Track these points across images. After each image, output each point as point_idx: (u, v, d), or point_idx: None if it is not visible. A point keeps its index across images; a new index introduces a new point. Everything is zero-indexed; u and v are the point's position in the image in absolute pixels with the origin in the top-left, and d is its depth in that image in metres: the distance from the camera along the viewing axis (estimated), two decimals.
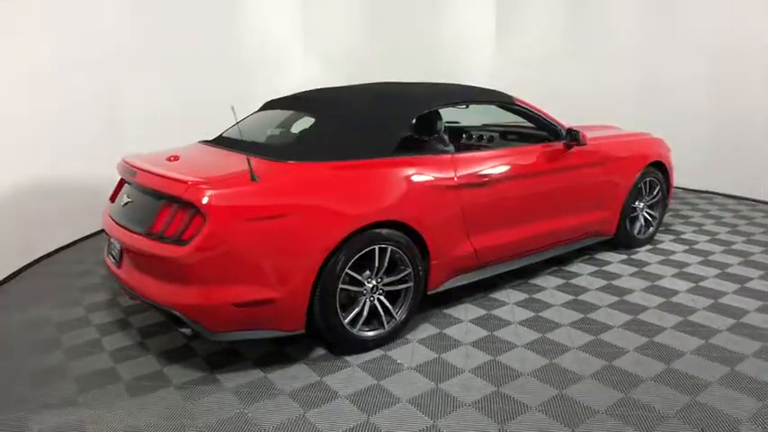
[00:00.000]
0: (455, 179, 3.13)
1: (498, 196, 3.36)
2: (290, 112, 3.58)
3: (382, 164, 2.93)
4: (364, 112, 3.12)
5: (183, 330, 2.60)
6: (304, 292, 2.61)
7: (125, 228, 2.77)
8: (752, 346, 2.86)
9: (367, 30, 7.69)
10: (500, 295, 3.56)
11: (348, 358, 2.82)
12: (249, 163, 2.58)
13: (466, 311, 3.34)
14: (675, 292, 3.56)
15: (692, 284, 3.70)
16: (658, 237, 4.73)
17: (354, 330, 2.81)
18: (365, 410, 2.38)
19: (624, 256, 4.29)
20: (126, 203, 2.91)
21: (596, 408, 2.36)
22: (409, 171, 2.98)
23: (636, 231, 4.43)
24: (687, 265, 4.09)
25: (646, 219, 4.50)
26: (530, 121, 3.83)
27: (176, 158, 2.96)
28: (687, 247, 4.49)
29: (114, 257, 2.93)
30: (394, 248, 2.88)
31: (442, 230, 3.09)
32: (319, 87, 3.89)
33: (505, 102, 3.66)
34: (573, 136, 3.71)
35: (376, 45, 7.58)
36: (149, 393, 2.52)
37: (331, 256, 2.65)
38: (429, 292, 3.18)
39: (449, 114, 3.67)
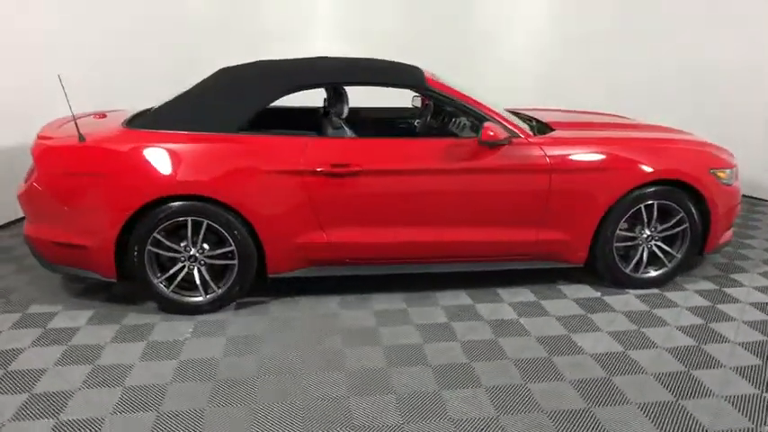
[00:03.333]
0: (300, 165, 2.95)
1: (366, 191, 3.01)
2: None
3: (214, 139, 2.95)
4: (227, 87, 3.13)
5: None
6: (109, 246, 2.90)
7: None
8: None
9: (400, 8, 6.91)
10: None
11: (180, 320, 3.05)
12: (76, 124, 2.94)
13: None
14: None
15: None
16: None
17: (168, 290, 3.01)
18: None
19: (595, 295, 3.36)
20: None
21: None
22: (241, 150, 2.94)
23: (629, 267, 3.38)
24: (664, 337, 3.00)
25: (654, 254, 3.39)
26: (457, 110, 3.24)
27: (102, 116, 3.50)
28: (708, 303, 3.24)
29: None
30: (210, 223, 2.93)
31: (276, 215, 2.97)
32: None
33: (411, 85, 3.16)
34: (489, 135, 2.98)
35: (408, 25, 6.81)
36: None
37: (136, 218, 2.87)
38: (271, 275, 3.13)
39: None
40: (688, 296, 3.35)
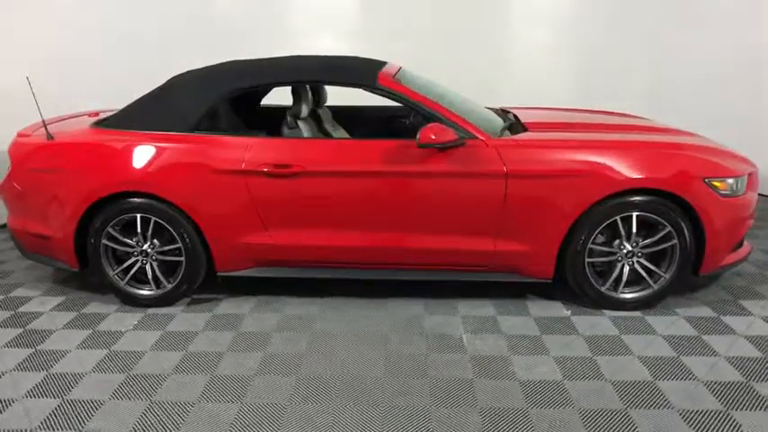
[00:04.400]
0: (243, 165, 2.94)
1: (307, 192, 2.95)
2: None
3: (163, 138, 3.01)
4: (183, 87, 3.20)
5: None
6: (69, 237, 3.08)
7: None
8: None
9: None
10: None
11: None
12: (44, 124, 3.15)
13: None
14: None
15: None
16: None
17: (122, 283, 3.15)
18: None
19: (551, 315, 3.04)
20: None
21: None
22: (187, 149, 2.99)
23: (605, 285, 3.02)
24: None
25: (637, 272, 3.00)
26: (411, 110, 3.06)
27: (95, 115, 3.73)
28: (693, 333, 2.81)
29: None
30: (157, 220, 3.02)
31: (220, 215, 3.00)
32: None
33: (360, 83, 3.02)
34: (428, 137, 2.77)
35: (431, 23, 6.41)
36: None
37: (91, 213, 3.03)
38: (220, 273, 3.17)
39: None
40: (673, 323, 2.93)
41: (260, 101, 3.99)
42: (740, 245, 3.16)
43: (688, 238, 2.90)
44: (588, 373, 2.51)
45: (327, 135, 3.80)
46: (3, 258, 3.92)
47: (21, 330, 2.95)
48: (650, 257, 3.00)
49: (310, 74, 3.14)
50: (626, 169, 2.82)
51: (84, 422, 2.22)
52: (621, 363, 2.58)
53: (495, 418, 2.21)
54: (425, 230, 2.99)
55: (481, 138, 2.92)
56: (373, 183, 2.92)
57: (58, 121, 3.51)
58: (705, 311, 3.05)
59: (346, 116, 4.12)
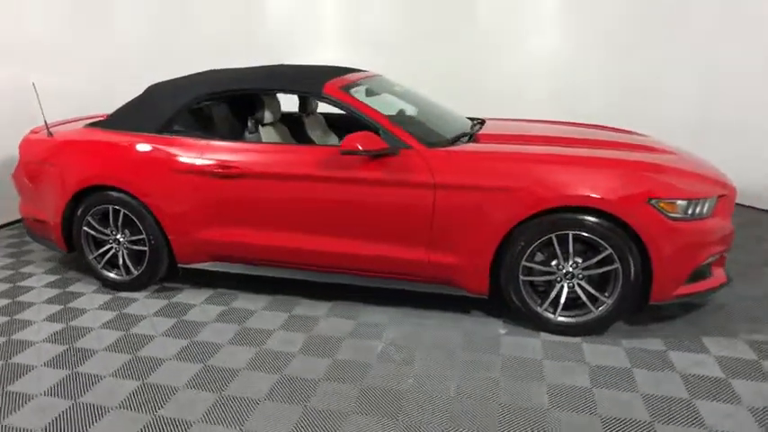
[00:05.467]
0: (197, 164, 3.18)
1: (249, 193, 3.11)
2: None
3: (134, 138, 3.33)
4: (158, 93, 3.50)
5: None
6: (58, 222, 3.49)
7: None
8: None
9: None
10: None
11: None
12: (45, 122, 3.59)
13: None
14: None
15: None
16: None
17: (98, 267, 3.51)
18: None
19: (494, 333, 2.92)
20: None
21: None
22: (151, 149, 3.27)
23: (543, 306, 2.88)
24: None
25: (578, 295, 2.83)
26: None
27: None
28: (625, 366, 2.58)
29: None
30: (126, 212, 3.34)
31: (177, 210, 3.25)
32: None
33: (307, 91, 3.14)
34: (351, 145, 2.83)
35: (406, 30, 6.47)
36: None
37: (73, 203, 3.42)
38: (180, 265, 3.42)
39: None
40: (610, 353, 2.71)
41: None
42: (707, 274, 2.85)
43: (632, 263, 2.68)
44: (500, 396, 2.42)
45: (309, 141, 3.95)
46: (52, 255, 4.23)
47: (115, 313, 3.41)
48: (593, 281, 2.82)
49: (259, 83, 3.31)
50: (561, 186, 2.68)
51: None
52: (526, 387, 2.45)
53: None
54: (359, 236, 3.03)
55: (415, 148, 2.91)
56: (305, 187, 3.03)
57: (76, 120, 3.99)
58: (654, 344, 2.78)
59: (346, 123, 4.20)
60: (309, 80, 3.23)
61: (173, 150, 3.25)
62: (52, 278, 3.73)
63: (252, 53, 5.58)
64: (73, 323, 3.11)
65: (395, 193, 2.90)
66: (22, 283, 3.65)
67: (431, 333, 2.94)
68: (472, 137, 3.23)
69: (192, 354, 2.77)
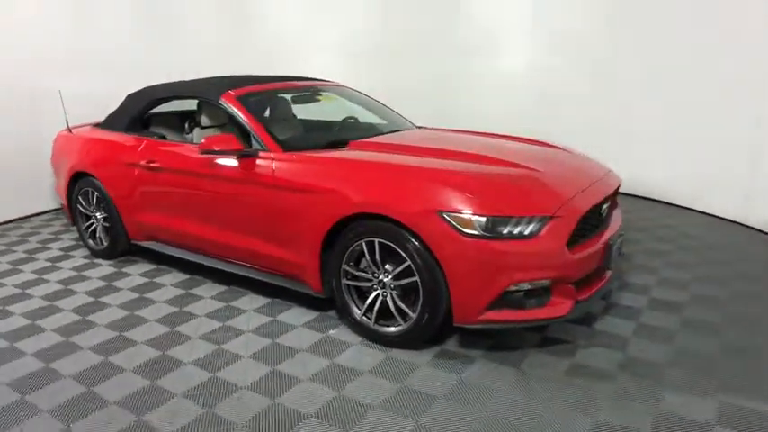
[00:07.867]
0: (135, 159, 3.85)
1: (168, 188, 3.68)
2: None
3: (107, 135, 4.19)
4: (129, 99, 4.27)
5: None
6: (65, 201, 4.49)
7: None
8: None
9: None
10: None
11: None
12: (67, 122, 4.62)
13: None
14: None
15: None
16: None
17: (87, 237, 4.41)
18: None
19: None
20: None
21: None
22: (112, 144, 4.07)
23: (361, 314, 2.90)
24: None
25: (396, 304, 2.79)
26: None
27: None
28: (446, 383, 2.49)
29: None
30: (97, 194, 4.18)
31: (124, 195, 3.98)
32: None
33: (207, 98, 3.64)
34: (206, 144, 3.21)
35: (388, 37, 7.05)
36: None
37: (72, 185, 4.39)
38: (132, 241, 4.15)
39: None
40: (423, 371, 2.63)
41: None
42: (527, 303, 2.57)
43: (428, 277, 2.59)
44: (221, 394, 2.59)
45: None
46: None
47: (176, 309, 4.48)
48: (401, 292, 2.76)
49: (180, 91, 3.90)
50: (362, 193, 2.74)
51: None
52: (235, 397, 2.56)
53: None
54: (233, 229, 3.38)
55: (271, 151, 3.18)
56: (189, 181, 3.53)
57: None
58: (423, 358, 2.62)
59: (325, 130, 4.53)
60: (212, 89, 3.68)
61: (122, 145, 4.00)
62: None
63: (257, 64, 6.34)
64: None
65: (250, 191, 3.21)
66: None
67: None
68: (345, 143, 3.35)
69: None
